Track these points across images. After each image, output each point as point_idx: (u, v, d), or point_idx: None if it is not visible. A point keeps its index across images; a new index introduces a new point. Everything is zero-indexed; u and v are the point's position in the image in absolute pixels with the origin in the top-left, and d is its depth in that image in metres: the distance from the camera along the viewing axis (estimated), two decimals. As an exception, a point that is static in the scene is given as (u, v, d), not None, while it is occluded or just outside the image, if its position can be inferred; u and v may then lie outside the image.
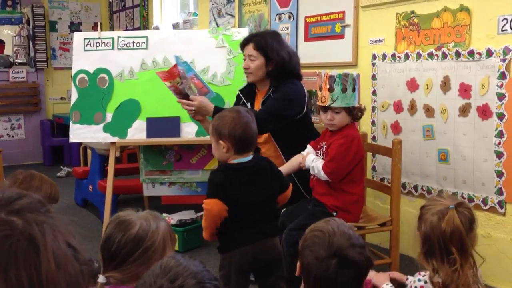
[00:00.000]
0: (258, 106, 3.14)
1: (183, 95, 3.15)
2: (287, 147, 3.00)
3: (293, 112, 2.96)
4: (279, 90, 2.98)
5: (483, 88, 2.88)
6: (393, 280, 2.04)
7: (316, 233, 1.57)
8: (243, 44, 3.15)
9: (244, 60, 3.14)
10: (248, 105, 3.19)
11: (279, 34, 3.22)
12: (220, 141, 2.22)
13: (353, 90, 2.60)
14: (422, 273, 1.79)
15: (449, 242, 1.74)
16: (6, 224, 0.73)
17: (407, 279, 2.02)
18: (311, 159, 2.73)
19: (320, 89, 2.65)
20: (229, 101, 3.79)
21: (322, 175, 2.65)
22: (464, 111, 2.99)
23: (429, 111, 3.18)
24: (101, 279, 1.58)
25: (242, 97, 3.23)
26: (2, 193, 0.78)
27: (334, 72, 2.65)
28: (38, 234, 0.74)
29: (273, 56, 3.02)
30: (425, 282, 1.76)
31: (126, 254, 1.59)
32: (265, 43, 3.05)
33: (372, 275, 2.02)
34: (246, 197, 2.22)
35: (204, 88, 3.20)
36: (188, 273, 1.14)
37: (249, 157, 2.27)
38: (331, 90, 2.59)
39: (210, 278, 1.15)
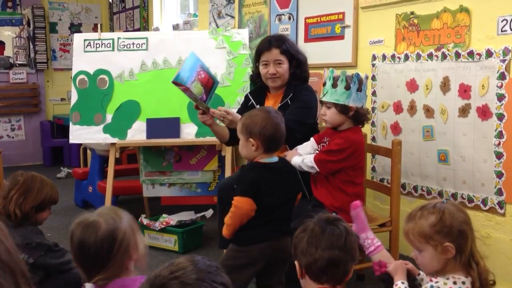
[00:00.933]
0: None
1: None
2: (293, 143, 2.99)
3: (313, 120, 2.99)
4: (299, 99, 2.95)
5: (482, 89, 2.88)
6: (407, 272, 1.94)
7: (301, 232, 1.69)
8: (264, 51, 3.05)
9: (266, 65, 3.04)
10: (257, 107, 3.16)
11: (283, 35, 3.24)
12: (250, 139, 2.26)
13: (347, 88, 2.58)
14: (435, 280, 1.71)
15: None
16: None
17: (419, 274, 1.93)
18: (299, 158, 2.74)
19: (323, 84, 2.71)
20: (229, 102, 3.80)
21: (311, 162, 2.64)
22: (463, 111, 2.99)
23: (428, 111, 3.18)
24: (89, 287, 1.58)
25: (251, 99, 3.19)
26: None
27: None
28: None
29: (297, 57, 3.05)
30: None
31: (106, 252, 1.59)
32: (289, 47, 3.05)
33: (389, 259, 1.97)
34: (272, 196, 2.27)
35: (210, 80, 3.13)
36: (192, 269, 1.14)
37: (276, 158, 2.34)
38: (324, 84, 2.65)
39: (215, 280, 1.14)
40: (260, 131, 2.25)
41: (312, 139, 2.86)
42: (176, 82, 2.84)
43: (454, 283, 1.68)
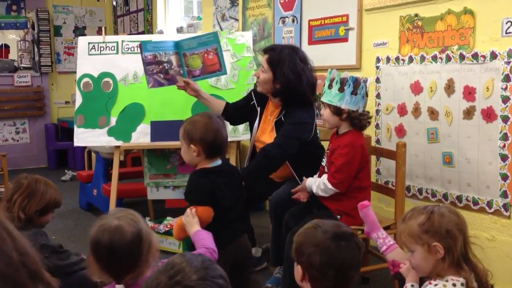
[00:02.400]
0: (268, 116, 3.15)
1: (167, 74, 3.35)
2: (295, 157, 2.99)
3: (306, 136, 2.97)
4: (292, 115, 2.94)
5: (487, 91, 2.87)
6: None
7: (304, 230, 1.67)
8: (262, 52, 3.13)
9: (260, 67, 3.10)
10: (258, 109, 3.18)
11: (299, 52, 3.05)
12: (191, 145, 2.29)
13: (340, 90, 2.59)
14: (434, 282, 1.71)
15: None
16: None
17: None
18: (312, 180, 2.74)
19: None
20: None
21: (330, 187, 2.64)
22: (468, 113, 2.98)
23: (433, 114, 3.17)
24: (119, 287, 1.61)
25: (254, 99, 3.21)
26: None
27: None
28: None
29: (279, 76, 2.94)
30: None
31: (136, 254, 1.64)
32: (277, 59, 2.96)
33: (403, 258, 1.94)
34: (225, 199, 2.31)
35: (217, 65, 3.33)
36: (189, 269, 1.14)
37: (220, 161, 2.37)
38: (324, 85, 2.68)
39: (214, 275, 1.15)
40: (201, 137, 2.26)
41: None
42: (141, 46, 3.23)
43: (454, 285, 1.68)
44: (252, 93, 3.24)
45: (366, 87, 2.64)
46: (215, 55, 3.26)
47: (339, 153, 2.64)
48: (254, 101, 3.20)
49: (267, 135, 3.11)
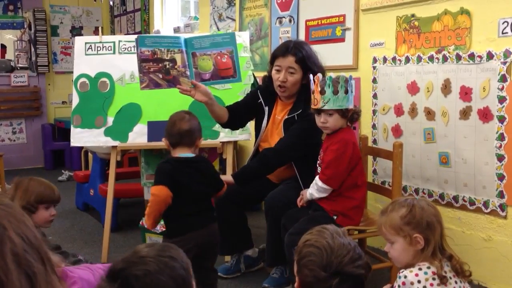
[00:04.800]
0: (276, 115, 3.10)
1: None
2: (300, 158, 2.99)
3: (317, 139, 2.86)
4: (307, 117, 2.84)
5: (483, 91, 2.88)
6: None
7: (311, 249, 1.55)
8: (279, 56, 2.99)
9: (278, 71, 2.97)
10: (266, 109, 3.12)
11: (307, 43, 3.10)
12: (163, 138, 2.58)
13: (346, 92, 2.57)
14: (401, 271, 1.79)
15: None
16: None
17: None
18: (312, 190, 2.74)
19: (313, 92, 2.64)
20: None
21: (321, 185, 2.65)
22: (465, 114, 2.99)
23: (429, 114, 3.18)
24: None
25: (261, 98, 3.14)
26: None
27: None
28: None
29: (313, 69, 2.88)
30: (405, 277, 1.75)
31: None
32: (305, 56, 2.94)
33: None
34: (189, 186, 2.49)
35: (231, 70, 2.99)
36: (150, 250, 1.17)
37: (191, 154, 2.56)
38: (322, 92, 2.57)
39: (160, 254, 1.16)
40: (165, 129, 2.56)
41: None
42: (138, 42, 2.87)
43: (419, 269, 1.77)
44: (258, 92, 3.18)
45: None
46: (230, 58, 2.96)
47: (329, 149, 2.65)
48: (261, 100, 3.13)
49: (275, 136, 3.08)
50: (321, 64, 3.01)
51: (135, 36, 3.43)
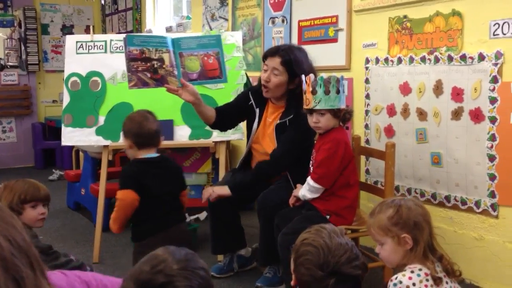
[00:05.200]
0: (267, 118, 3.09)
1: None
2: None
3: (311, 141, 2.87)
4: (301, 120, 2.82)
5: (475, 92, 2.90)
6: None
7: (309, 248, 1.56)
8: (268, 56, 2.99)
9: (265, 71, 2.97)
10: (257, 111, 3.11)
11: (304, 50, 3.03)
12: (124, 139, 2.56)
13: (337, 92, 2.58)
14: (394, 277, 1.77)
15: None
16: None
17: None
18: (304, 190, 2.74)
19: (305, 93, 2.65)
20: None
21: (312, 184, 2.65)
22: (456, 114, 3.01)
23: (422, 114, 3.20)
24: None
25: (252, 100, 3.12)
26: None
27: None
28: None
29: (297, 73, 2.85)
30: (400, 282, 1.73)
31: None
32: (292, 60, 2.90)
33: None
34: (155, 187, 2.48)
35: (217, 71, 2.98)
36: (172, 260, 1.16)
37: (155, 154, 2.57)
38: (314, 92, 2.58)
39: (195, 266, 1.17)
40: (128, 130, 2.53)
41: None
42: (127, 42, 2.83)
43: (412, 272, 1.76)
44: (250, 93, 3.16)
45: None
46: (216, 60, 2.98)
47: (321, 149, 2.66)
48: (252, 101, 3.12)
49: (266, 139, 3.08)
50: (313, 70, 2.84)
51: (124, 35, 3.42)
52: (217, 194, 3.01)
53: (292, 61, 2.89)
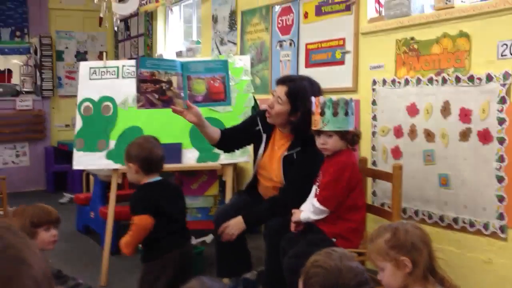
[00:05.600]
0: (275, 146, 3.08)
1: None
2: None
3: (317, 173, 2.82)
4: (310, 155, 2.84)
5: (483, 113, 2.88)
6: None
7: (319, 270, 1.55)
8: (278, 83, 3.00)
9: (273, 97, 2.99)
10: (264, 136, 3.11)
11: (315, 84, 2.97)
12: (130, 164, 2.62)
13: (346, 114, 2.58)
14: None
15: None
16: None
17: None
18: (303, 208, 2.73)
19: (313, 114, 2.65)
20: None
21: (317, 206, 2.64)
22: (464, 135, 2.98)
23: (429, 135, 3.17)
24: None
25: (260, 125, 3.12)
26: None
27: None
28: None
29: (300, 108, 2.85)
30: None
31: None
32: (297, 91, 2.88)
33: None
34: (168, 208, 2.61)
35: (222, 95, 3.08)
36: None
37: (159, 178, 2.68)
38: (322, 114, 2.58)
39: None
40: (137, 155, 2.60)
41: (311, 193, 2.79)
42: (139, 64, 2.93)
43: None
44: (258, 118, 3.15)
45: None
46: (222, 83, 3.07)
47: (328, 171, 2.65)
48: (260, 127, 3.12)
49: (273, 167, 3.05)
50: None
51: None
52: (236, 234, 2.96)
53: (297, 93, 2.88)
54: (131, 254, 2.56)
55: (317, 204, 2.64)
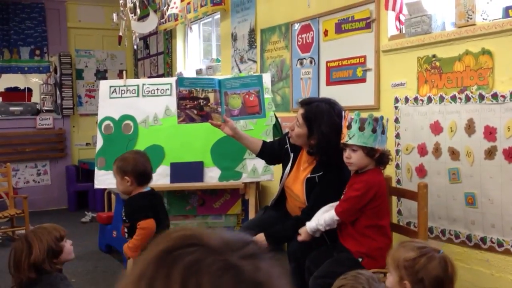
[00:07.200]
0: (301, 166, 3.08)
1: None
2: None
3: (338, 198, 2.81)
4: (331, 179, 2.86)
5: (508, 131, 2.85)
6: None
7: None
8: (299, 104, 3.02)
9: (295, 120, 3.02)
10: (292, 155, 3.12)
11: (335, 107, 2.93)
12: (125, 177, 2.85)
13: (373, 131, 2.58)
14: None
15: None
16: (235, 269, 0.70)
17: None
18: (314, 221, 2.72)
19: (343, 128, 2.68)
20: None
21: (332, 215, 2.66)
22: (490, 154, 2.95)
23: (454, 154, 3.15)
24: None
25: (288, 144, 3.13)
26: (232, 237, 0.76)
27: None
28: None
29: (315, 132, 2.85)
30: None
31: None
32: (314, 114, 2.87)
33: None
34: (163, 214, 2.93)
35: (257, 108, 3.34)
36: None
37: (149, 188, 2.96)
38: (349, 127, 2.61)
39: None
40: (132, 169, 2.84)
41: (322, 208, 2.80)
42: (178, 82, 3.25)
43: None
44: (287, 137, 3.17)
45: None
46: (257, 97, 3.31)
47: (353, 187, 2.67)
48: (288, 146, 3.14)
49: (297, 186, 3.05)
50: (335, 129, 2.78)
51: (159, 84, 4.00)
52: None
53: (312, 116, 2.87)
54: (136, 257, 2.64)
55: (335, 216, 2.64)
